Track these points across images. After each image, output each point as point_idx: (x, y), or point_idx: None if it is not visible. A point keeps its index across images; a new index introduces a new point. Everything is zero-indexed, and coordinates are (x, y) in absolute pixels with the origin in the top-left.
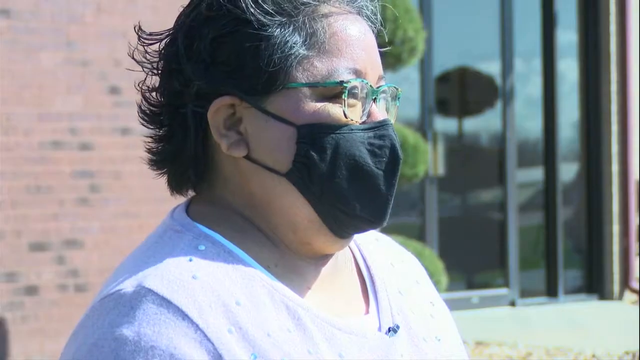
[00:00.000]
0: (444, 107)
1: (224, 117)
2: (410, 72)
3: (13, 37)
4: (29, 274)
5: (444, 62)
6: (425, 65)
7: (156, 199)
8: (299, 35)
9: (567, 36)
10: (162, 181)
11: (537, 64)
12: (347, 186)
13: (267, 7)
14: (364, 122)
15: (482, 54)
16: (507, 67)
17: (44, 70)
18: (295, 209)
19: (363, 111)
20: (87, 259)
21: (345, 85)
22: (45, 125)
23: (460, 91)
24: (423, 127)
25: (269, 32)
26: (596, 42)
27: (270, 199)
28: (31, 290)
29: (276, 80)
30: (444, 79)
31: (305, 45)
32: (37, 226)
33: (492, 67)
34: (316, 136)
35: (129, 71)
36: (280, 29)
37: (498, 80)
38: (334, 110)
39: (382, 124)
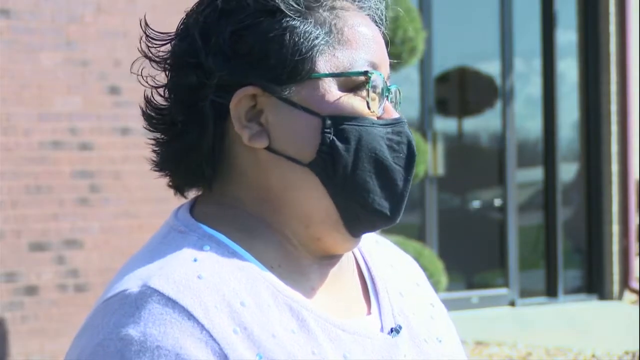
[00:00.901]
0: (443, 107)
1: (246, 108)
2: (410, 72)
3: (13, 37)
4: (29, 274)
5: (443, 62)
6: (425, 65)
7: (156, 199)
8: (321, 27)
9: (567, 36)
10: (162, 181)
11: (536, 64)
12: (368, 179)
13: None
14: (380, 117)
15: (482, 54)
16: (506, 67)
17: (43, 70)
18: (314, 201)
19: (380, 106)
20: (87, 259)
21: (369, 75)
22: (45, 125)
23: (460, 91)
24: (423, 127)
25: (292, 23)
26: (596, 42)
27: (288, 191)
28: (31, 290)
29: (301, 70)
30: (444, 79)
31: (327, 36)
32: (36, 226)
33: (491, 67)
34: (341, 127)
35: (128, 71)
36: (303, 20)
37: (498, 81)
38: (357, 102)
39: (399, 121)
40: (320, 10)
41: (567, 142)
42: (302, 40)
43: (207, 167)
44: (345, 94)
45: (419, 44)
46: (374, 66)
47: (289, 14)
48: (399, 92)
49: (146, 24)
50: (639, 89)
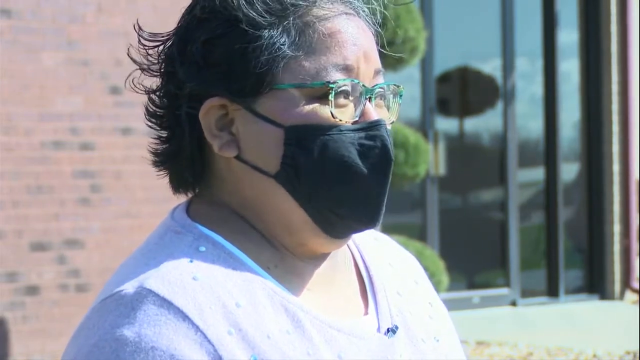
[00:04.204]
0: (445, 106)
1: (216, 117)
2: (411, 72)
3: (14, 37)
4: (30, 274)
5: (445, 61)
6: (426, 65)
7: (157, 199)
8: (288, 36)
9: (568, 36)
10: (162, 181)
11: (538, 63)
12: (337, 187)
13: (257, 7)
14: (356, 122)
15: (483, 54)
16: (508, 66)
17: (45, 70)
18: (287, 210)
19: (356, 111)
20: (88, 259)
21: (331, 86)
22: (46, 125)
23: (461, 91)
24: (424, 126)
25: (257, 34)
26: (597, 42)
27: (262, 200)
28: (32, 290)
29: (264, 81)
30: (445, 78)
31: (293, 45)
32: (38, 226)
33: (493, 67)
34: (303, 137)
35: (130, 71)
36: (269, 30)
37: (499, 80)
38: (323, 111)
39: (374, 124)
40: (290, 19)
41: (568, 142)
42: (264, 52)
43: (187, 173)
44: (312, 104)
45: (420, 44)
46: (349, 69)
47: (255, 24)
48: (397, 88)
49: (140, 28)
50: (639, 89)
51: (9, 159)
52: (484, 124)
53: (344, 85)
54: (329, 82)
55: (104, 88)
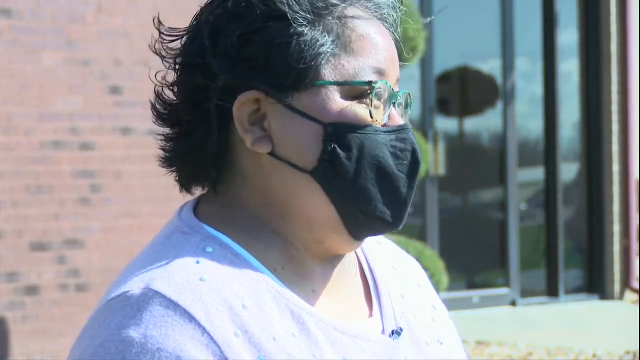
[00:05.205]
0: (444, 106)
1: (249, 112)
2: (411, 72)
3: (14, 37)
4: (30, 274)
5: (444, 61)
6: (426, 64)
7: (157, 199)
8: (329, 34)
9: (568, 36)
10: (163, 181)
11: (538, 63)
12: (370, 187)
13: (300, 5)
14: (385, 125)
15: (483, 54)
16: (507, 66)
17: (45, 70)
18: (316, 207)
19: (385, 114)
20: (88, 259)
21: (373, 85)
22: (46, 125)
23: (461, 91)
24: (424, 126)
25: (301, 30)
26: (597, 42)
27: (290, 196)
28: (32, 290)
29: (305, 77)
30: (445, 78)
31: (334, 44)
32: (38, 226)
33: (492, 67)
34: (343, 135)
35: (130, 71)
36: (312, 27)
37: (499, 80)
38: (360, 110)
39: (404, 128)
40: (329, 18)
41: (568, 142)
42: (308, 48)
43: (212, 169)
44: (349, 102)
45: (420, 44)
46: (381, 73)
47: (297, 21)
48: (410, 97)
49: (160, 22)
50: (639, 89)
51: (9, 159)
52: (484, 124)
53: (380, 87)
54: (371, 82)
55: (104, 88)
